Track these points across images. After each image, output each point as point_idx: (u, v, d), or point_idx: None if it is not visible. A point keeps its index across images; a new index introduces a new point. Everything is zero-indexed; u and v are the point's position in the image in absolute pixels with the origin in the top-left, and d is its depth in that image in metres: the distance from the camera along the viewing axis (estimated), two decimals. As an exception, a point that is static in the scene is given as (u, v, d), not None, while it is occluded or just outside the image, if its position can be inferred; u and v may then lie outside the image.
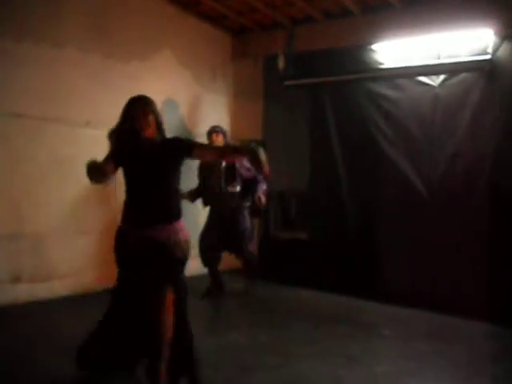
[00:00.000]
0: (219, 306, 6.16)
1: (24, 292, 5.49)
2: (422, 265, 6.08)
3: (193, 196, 6.07)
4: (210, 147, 4.87)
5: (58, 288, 5.78)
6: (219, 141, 6.05)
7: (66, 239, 5.89)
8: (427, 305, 5.82)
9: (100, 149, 5.99)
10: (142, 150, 3.39)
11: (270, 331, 4.88)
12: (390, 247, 6.37)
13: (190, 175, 5.88)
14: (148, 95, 6.22)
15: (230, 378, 3.84)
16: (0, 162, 5.31)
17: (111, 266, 6.15)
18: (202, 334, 4.15)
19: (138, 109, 3.44)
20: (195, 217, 6.77)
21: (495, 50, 5.76)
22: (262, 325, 4.99)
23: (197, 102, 7.38)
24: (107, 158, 3.39)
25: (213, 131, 6.12)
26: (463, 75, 5.96)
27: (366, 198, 6.65)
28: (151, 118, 3.46)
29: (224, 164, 6.01)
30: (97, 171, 3.20)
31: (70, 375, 3.72)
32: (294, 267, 7.10)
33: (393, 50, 6.50)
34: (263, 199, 6.12)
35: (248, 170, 5.93)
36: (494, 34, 5.76)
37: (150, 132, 3.45)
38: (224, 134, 6.17)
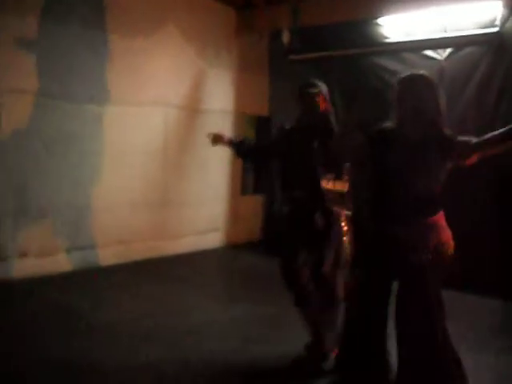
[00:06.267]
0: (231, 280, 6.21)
1: (30, 267, 5.54)
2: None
3: None
4: None
5: (64, 262, 5.84)
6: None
7: (72, 213, 5.93)
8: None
9: (103, 125, 6.11)
10: None
11: (279, 307, 4.83)
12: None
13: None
14: (151, 70, 6.14)
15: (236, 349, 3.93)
16: (6, 138, 5.32)
17: (116, 243, 6.28)
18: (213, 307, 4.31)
19: None
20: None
21: (503, 23, 5.68)
22: (272, 300, 4.96)
23: (201, 78, 7.35)
24: None
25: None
26: (470, 49, 5.90)
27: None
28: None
29: None
30: None
31: (76, 350, 3.80)
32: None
33: (399, 24, 6.43)
34: None
35: None
36: (502, 6, 5.67)
37: None
38: None
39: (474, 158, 2.94)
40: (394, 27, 6.48)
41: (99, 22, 6.01)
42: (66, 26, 5.68)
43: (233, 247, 7.42)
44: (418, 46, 6.26)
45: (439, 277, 2.95)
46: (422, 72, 3.01)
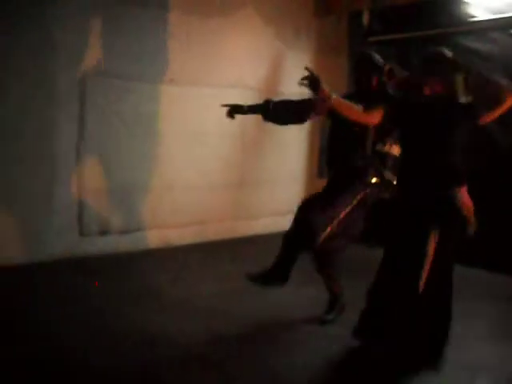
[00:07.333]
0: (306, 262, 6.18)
1: (111, 244, 5.75)
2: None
3: None
4: None
5: (144, 240, 6.02)
6: None
7: (151, 193, 6.10)
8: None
9: (183, 105, 6.21)
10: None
11: (353, 290, 4.73)
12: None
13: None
14: (228, 52, 6.18)
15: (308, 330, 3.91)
16: (89, 118, 5.52)
17: (193, 223, 6.39)
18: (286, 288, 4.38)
19: None
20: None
21: None
22: (347, 284, 4.89)
23: (279, 60, 7.32)
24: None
25: None
26: None
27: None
28: None
29: None
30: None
31: (153, 324, 3.97)
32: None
33: (485, 1, 6.15)
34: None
35: None
36: None
37: None
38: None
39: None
40: (480, 5, 6.20)
41: (176, 3, 6.09)
42: (142, 8, 5.80)
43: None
44: (505, 25, 5.97)
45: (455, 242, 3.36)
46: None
